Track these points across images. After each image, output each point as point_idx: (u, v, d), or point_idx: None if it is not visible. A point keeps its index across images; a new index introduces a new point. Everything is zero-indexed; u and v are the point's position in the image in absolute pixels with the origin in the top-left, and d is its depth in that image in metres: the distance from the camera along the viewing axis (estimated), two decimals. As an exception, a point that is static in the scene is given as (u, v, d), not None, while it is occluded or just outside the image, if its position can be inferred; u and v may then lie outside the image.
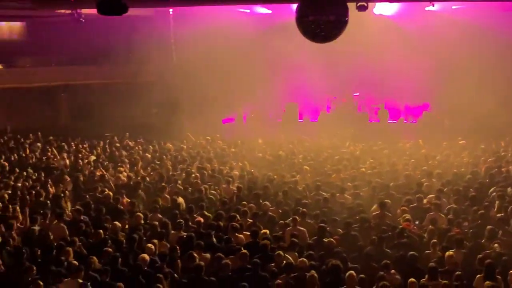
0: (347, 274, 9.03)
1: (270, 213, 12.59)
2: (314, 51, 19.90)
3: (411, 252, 9.97)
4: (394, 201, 13.29)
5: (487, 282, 8.85)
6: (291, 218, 11.76)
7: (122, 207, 13.26)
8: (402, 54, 22.68)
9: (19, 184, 15.23)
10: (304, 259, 9.69)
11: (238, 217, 12.04)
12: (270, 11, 25.51)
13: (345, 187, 14.32)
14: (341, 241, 10.83)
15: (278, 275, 9.43)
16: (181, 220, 11.85)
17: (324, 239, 10.76)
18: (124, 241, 10.88)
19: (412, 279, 9.04)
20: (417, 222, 11.97)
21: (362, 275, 9.09)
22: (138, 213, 12.43)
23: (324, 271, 9.49)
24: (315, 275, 9.07)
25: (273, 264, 9.80)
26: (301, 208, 12.33)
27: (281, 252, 10.01)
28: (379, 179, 15.16)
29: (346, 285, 8.92)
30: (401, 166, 16.80)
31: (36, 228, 11.62)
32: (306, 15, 11.69)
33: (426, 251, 10.43)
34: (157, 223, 11.80)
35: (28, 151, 19.93)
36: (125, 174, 16.45)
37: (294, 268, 9.48)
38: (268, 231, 11.24)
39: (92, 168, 17.34)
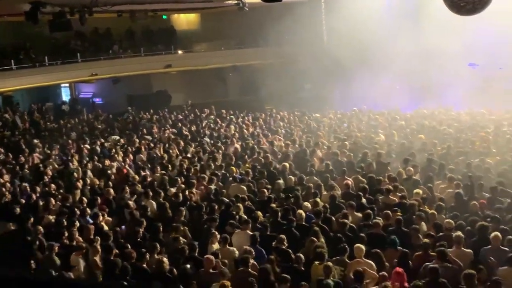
0: (492, 235, 8.46)
1: (414, 177, 12.12)
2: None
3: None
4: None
5: None
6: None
7: (275, 171, 13.47)
8: None
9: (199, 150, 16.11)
10: (451, 220, 9.24)
11: (386, 180, 11.76)
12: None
13: (488, 153, 13.34)
14: (488, 205, 10.15)
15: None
16: (332, 182, 11.85)
17: (469, 202, 10.17)
18: (284, 198, 11.09)
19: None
20: None
21: (510, 237, 8.48)
22: (290, 176, 12.55)
23: (470, 231, 8.99)
24: (461, 235, 8.61)
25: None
26: (448, 173, 11.74)
27: (434, 212, 9.71)
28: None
29: (491, 245, 8.37)
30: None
31: (213, 187, 12.24)
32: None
33: None
34: (312, 184, 11.88)
35: (204, 123, 21.02)
36: (282, 141, 16.68)
37: (442, 228, 9.10)
38: (421, 191, 10.88)
39: (256, 137, 17.87)
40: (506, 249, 8.28)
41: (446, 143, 14.66)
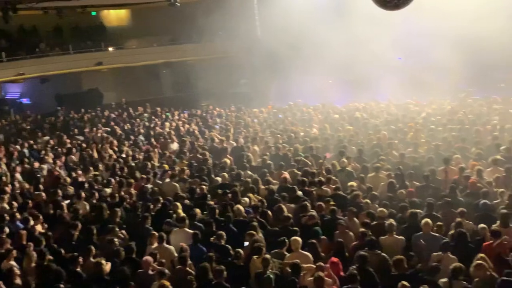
0: (423, 221, 8.82)
1: (347, 168, 12.45)
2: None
3: (483, 201, 9.59)
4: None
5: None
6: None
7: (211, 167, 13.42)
8: None
9: (130, 152, 15.84)
10: (384, 209, 9.56)
11: (324, 173, 12.02)
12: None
13: (417, 143, 13.91)
14: (420, 192, 10.58)
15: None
16: (269, 177, 11.98)
17: (397, 192, 10.56)
18: (222, 195, 11.07)
19: (483, 225, 8.72)
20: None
21: (440, 223, 8.87)
22: (224, 173, 12.57)
23: (402, 218, 9.34)
24: (394, 223, 8.93)
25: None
26: (379, 164, 12.15)
27: (368, 201, 10.00)
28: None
29: (422, 231, 8.74)
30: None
31: (149, 186, 12.07)
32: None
33: (495, 201, 9.94)
34: (249, 179, 11.96)
35: (138, 121, 20.70)
36: (219, 138, 16.64)
37: (375, 217, 9.42)
38: (355, 183, 11.18)
39: (192, 134, 17.79)
40: (437, 235, 8.66)
41: (377, 135, 15.11)
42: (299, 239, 8.47)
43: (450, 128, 15.28)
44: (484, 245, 8.27)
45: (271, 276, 7.67)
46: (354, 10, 20.74)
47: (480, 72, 20.97)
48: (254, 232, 8.91)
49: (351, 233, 9.10)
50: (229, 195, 10.84)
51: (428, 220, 8.83)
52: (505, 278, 7.13)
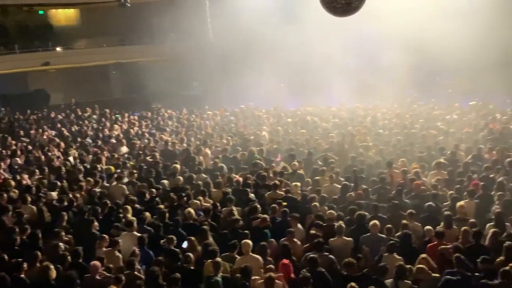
0: (371, 223, 9.00)
1: (298, 171, 12.55)
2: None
3: (428, 203, 9.88)
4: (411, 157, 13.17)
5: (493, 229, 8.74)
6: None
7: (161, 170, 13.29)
8: None
9: (77, 154, 15.44)
10: (333, 211, 9.70)
11: (272, 175, 12.07)
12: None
13: (366, 146, 14.20)
14: (367, 195, 10.78)
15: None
16: (220, 180, 11.94)
17: (346, 194, 10.74)
18: (175, 198, 10.95)
19: (429, 227, 8.98)
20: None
21: (389, 225, 9.04)
22: (178, 176, 12.43)
23: (350, 220, 9.50)
24: (343, 225, 9.08)
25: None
26: (324, 167, 12.31)
27: (316, 204, 10.10)
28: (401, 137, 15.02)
29: (370, 232, 8.91)
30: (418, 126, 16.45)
31: (97, 189, 11.82)
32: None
33: (445, 203, 10.26)
34: (200, 182, 11.87)
35: (86, 122, 20.25)
36: (170, 140, 16.48)
37: (324, 220, 9.53)
38: (299, 184, 11.29)
39: (141, 136, 17.52)
40: (384, 236, 8.86)
41: (330, 139, 15.32)
42: (249, 242, 8.46)
43: (396, 132, 15.67)
44: (429, 246, 8.52)
45: (218, 279, 7.64)
46: (305, 14, 20.96)
47: (427, 78, 21.58)
48: (193, 238, 8.85)
49: (297, 240, 9.13)
50: (185, 198, 10.75)
51: (376, 221, 9.01)
52: (448, 277, 7.37)
